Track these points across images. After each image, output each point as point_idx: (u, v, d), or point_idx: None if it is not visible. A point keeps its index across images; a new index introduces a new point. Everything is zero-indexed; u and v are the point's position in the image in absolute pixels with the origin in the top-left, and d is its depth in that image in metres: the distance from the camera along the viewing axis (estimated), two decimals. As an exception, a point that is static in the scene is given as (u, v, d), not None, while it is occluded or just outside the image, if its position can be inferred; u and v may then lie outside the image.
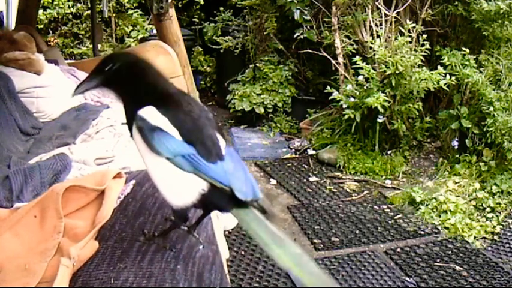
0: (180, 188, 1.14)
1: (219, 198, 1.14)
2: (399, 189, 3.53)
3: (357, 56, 3.80)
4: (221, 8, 5.45)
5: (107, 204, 1.43)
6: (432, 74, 3.61)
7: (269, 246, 1.10)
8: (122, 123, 2.34)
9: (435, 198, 3.24)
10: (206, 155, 1.12)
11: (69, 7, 6.24)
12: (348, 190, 3.55)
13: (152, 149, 1.13)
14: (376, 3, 3.94)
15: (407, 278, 2.55)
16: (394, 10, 3.93)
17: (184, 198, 1.15)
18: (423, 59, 3.70)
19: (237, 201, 1.12)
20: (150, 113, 1.14)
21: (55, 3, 6.22)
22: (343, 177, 3.75)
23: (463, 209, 3.15)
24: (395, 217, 3.18)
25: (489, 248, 2.87)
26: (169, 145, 1.11)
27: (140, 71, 1.20)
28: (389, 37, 3.91)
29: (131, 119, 1.17)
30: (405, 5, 3.97)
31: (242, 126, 4.88)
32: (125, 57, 1.25)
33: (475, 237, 2.94)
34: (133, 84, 1.19)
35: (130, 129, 1.19)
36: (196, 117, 1.17)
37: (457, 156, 3.70)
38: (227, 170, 1.13)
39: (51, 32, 6.30)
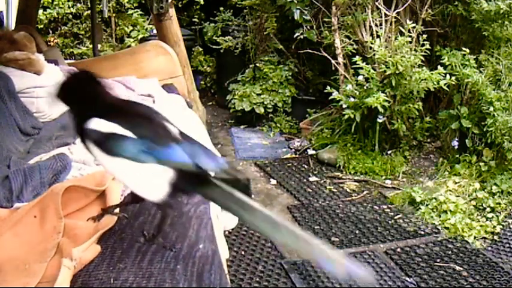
0: (151, 182, 1.19)
1: (186, 182, 1.19)
2: (399, 189, 3.53)
3: (357, 56, 3.80)
4: (221, 8, 5.45)
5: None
6: (432, 74, 3.61)
7: (240, 214, 1.15)
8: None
9: (435, 198, 3.24)
10: (163, 143, 1.18)
11: (69, 7, 6.24)
12: (348, 190, 3.55)
13: (113, 155, 1.17)
14: (376, 3, 3.94)
15: (407, 278, 2.55)
16: (394, 10, 3.93)
17: (158, 191, 1.19)
18: (423, 59, 3.71)
19: (202, 181, 1.17)
20: (98, 124, 1.18)
21: (55, 3, 6.22)
22: (343, 177, 3.75)
23: (463, 209, 3.14)
24: (395, 217, 3.18)
25: (489, 248, 2.86)
26: (127, 145, 1.16)
27: (81, 87, 1.24)
28: (389, 37, 3.91)
29: (82, 134, 1.21)
30: (405, 5, 3.97)
31: (242, 126, 4.88)
32: (68, 77, 1.28)
33: (475, 237, 2.94)
34: (77, 100, 1.23)
35: (84, 143, 1.23)
36: (143, 113, 1.24)
37: (457, 156, 3.70)
38: (186, 150, 1.18)
39: (51, 32, 6.30)
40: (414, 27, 3.81)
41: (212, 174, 1.18)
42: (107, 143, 1.17)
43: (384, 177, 3.73)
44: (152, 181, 1.19)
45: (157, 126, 1.22)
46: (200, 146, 1.24)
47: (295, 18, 4.42)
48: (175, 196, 1.25)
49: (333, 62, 4.17)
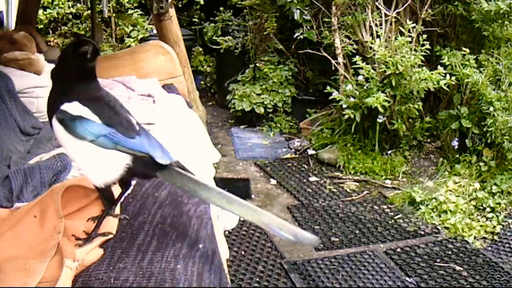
0: (106, 165, 1.30)
1: (143, 166, 1.31)
2: (399, 189, 3.53)
3: (357, 56, 3.80)
4: (221, 8, 5.45)
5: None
6: (432, 74, 3.61)
7: (198, 193, 1.30)
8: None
9: (435, 198, 3.24)
10: (125, 132, 1.30)
11: (69, 7, 6.24)
12: (348, 190, 3.55)
13: (76, 136, 1.28)
14: (376, 3, 3.94)
15: (407, 278, 2.55)
16: (394, 10, 3.93)
17: (111, 174, 1.30)
18: (423, 59, 3.70)
19: (159, 166, 1.30)
20: (72, 107, 1.29)
21: (55, 3, 6.23)
22: (343, 177, 3.75)
23: (463, 209, 3.15)
24: (395, 217, 3.18)
25: (489, 248, 2.86)
26: (91, 129, 1.27)
27: (77, 68, 1.30)
28: (389, 37, 3.91)
29: (52, 112, 1.30)
30: (405, 5, 3.97)
31: (242, 126, 4.88)
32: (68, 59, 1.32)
33: (475, 237, 2.94)
34: (67, 82, 1.30)
35: (50, 120, 1.32)
36: (113, 105, 1.35)
37: (457, 156, 3.70)
38: (144, 142, 1.32)
39: (51, 32, 6.30)
40: (414, 27, 3.81)
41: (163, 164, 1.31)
42: (72, 124, 1.27)
43: (384, 177, 3.73)
44: (109, 161, 1.29)
45: (122, 118, 1.34)
46: (157, 141, 1.36)
47: (295, 18, 4.42)
48: (130, 179, 1.37)
49: (333, 62, 4.17)
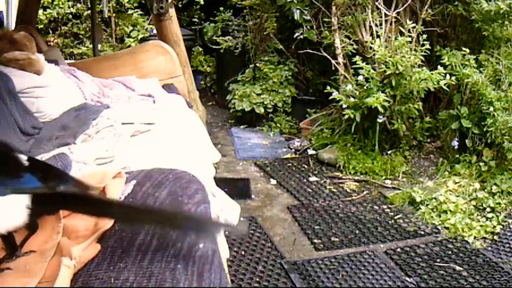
0: (5, 213, 1.18)
1: (44, 202, 1.21)
2: (399, 189, 3.53)
3: (357, 56, 3.81)
4: (221, 8, 5.46)
5: None
6: (432, 74, 3.61)
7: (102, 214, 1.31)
8: (122, 123, 2.34)
9: (435, 198, 3.24)
10: (15, 174, 1.20)
11: (69, 7, 6.24)
12: (348, 190, 3.55)
13: None
14: (376, 3, 3.94)
15: (407, 278, 2.55)
16: (394, 10, 3.93)
17: (13, 220, 1.19)
18: (423, 59, 3.71)
19: (58, 197, 1.23)
20: None
21: (55, 3, 6.22)
22: (343, 177, 3.75)
23: (463, 209, 3.15)
24: (395, 217, 3.18)
25: (489, 248, 2.86)
26: None
27: None
28: (389, 37, 3.91)
29: None
30: (405, 5, 3.97)
31: (242, 126, 4.88)
32: None
33: (475, 237, 2.94)
34: None
35: None
36: None
37: (457, 156, 3.71)
38: (36, 177, 1.21)
39: (51, 32, 6.30)
40: (414, 27, 3.81)
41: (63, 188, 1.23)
42: None
43: (384, 177, 3.73)
44: (7, 208, 1.19)
45: (6, 159, 1.24)
46: (50, 167, 1.33)
47: (295, 18, 4.42)
48: (37, 217, 1.28)
49: (333, 62, 4.17)
